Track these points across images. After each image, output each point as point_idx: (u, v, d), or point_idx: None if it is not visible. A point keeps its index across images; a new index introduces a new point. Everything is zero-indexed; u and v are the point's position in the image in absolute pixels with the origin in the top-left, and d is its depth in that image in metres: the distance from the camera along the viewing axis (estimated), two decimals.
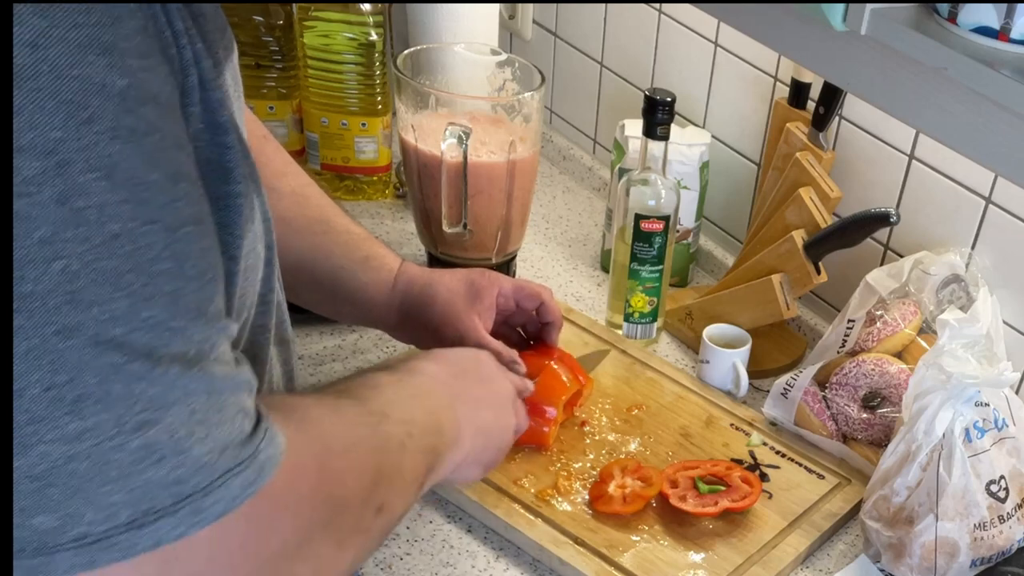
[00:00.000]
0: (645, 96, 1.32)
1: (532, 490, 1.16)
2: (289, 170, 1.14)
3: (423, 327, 1.18)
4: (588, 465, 1.20)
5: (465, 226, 1.38)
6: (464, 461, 0.91)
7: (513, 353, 1.18)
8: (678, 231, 1.46)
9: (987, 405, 1.10)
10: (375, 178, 1.65)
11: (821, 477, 1.22)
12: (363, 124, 1.59)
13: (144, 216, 0.58)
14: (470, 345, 1.19)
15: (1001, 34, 0.79)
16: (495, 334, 1.17)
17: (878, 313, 1.24)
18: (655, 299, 1.40)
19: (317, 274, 1.15)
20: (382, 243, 1.19)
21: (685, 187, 1.47)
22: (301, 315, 1.36)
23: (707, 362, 1.34)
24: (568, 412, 1.24)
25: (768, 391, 1.30)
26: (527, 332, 1.23)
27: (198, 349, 0.61)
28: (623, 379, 1.32)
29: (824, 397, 1.25)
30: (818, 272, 1.32)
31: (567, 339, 1.37)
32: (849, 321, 1.25)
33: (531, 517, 1.12)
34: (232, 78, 0.83)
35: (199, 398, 0.61)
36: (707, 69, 1.53)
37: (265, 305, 0.81)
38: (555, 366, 1.18)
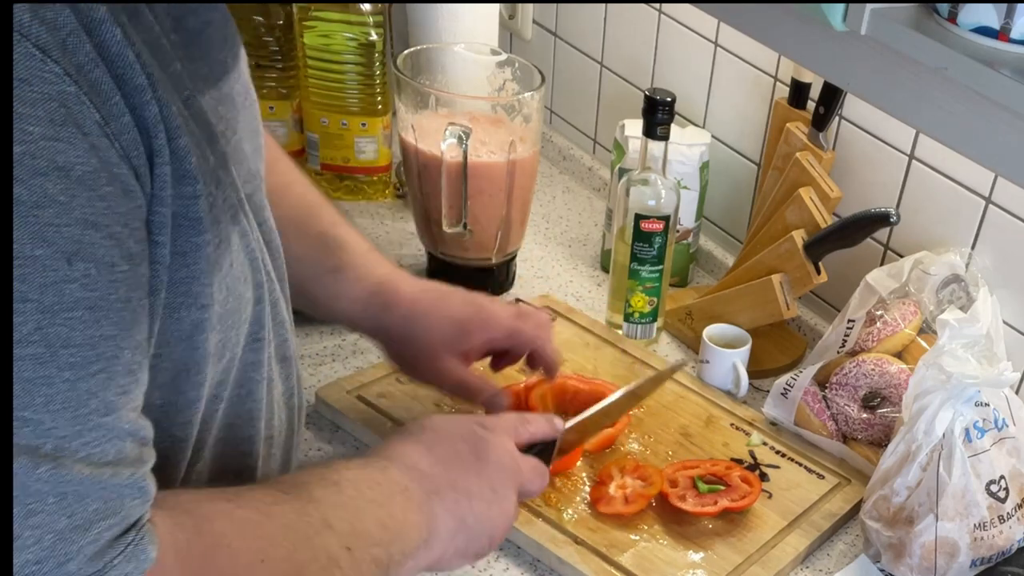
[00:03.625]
0: (645, 96, 1.32)
1: None
2: (273, 168, 1.06)
3: (398, 357, 1.12)
4: (588, 464, 1.20)
5: (465, 226, 1.38)
6: (442, 558, 0.87)
7: (494, 386, 1.13)
8: (678, 231, 1.46)
9: (987, 405, 1.10)
10: (375, 178, 1.65)
11: (821, 477, 1.22)
12: (363, 124, 1.59)
13: (17, 293, 0.55)
14: (446, 385, 1.13)
15: (1001, 34, 0.79)
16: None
17: (878, 313, 1.24)
18: (655, 299, 1.40)
19: (291, 283, 1.09)
20: (367, 249, 1.10)
21: (685, 187, 1.47)
22: (301, 315, 1.37)
23: (707, 362, 1.34)
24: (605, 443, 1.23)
25: (768, 391, 1.30)
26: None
27: (56, 445, 0.57)
28: (623, 379, 1.32)
29: (824, 397, 1.25)
30: (818, 272, 1.32)
31: (568, 339, 1.37)
32: (849, 321, 1.25)
33: (531, 516, 1.12)
34: (241, 84, 0.81)
35: (43, 500, 0.57)
36: (707, 69, 1.53)
37: (257, 343, 0.79)
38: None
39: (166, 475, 0.76)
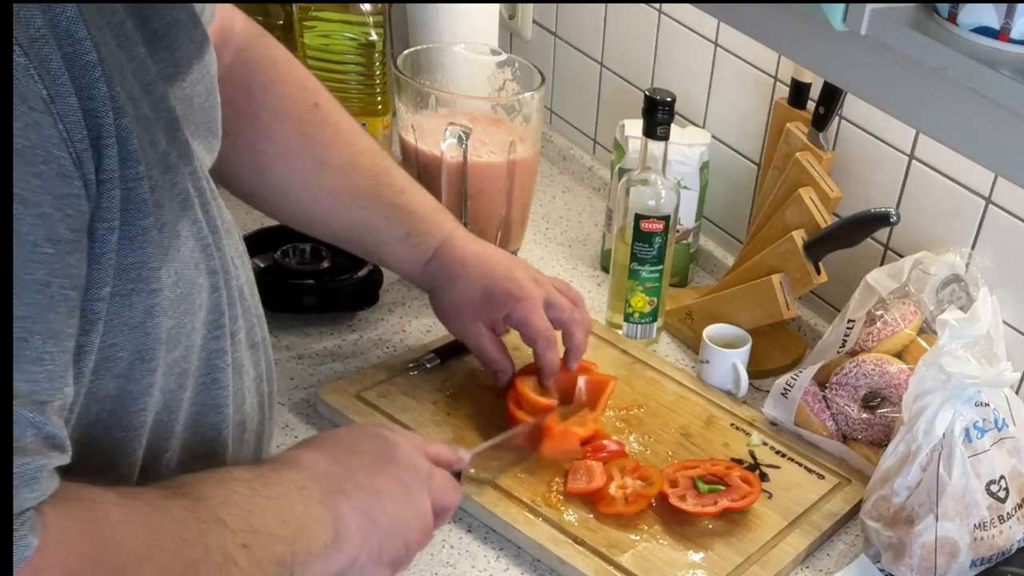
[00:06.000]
0: (645, 96, 1.32)
1: (532, 490, 1.16)
2: (340, 139, 1.13)
3: (437, 309, 1.21)
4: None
5: (465, 226, 1.38)
6: (355, 562, 0.81)
7: (507, 364, 1.20)
8: (678, 231, 1.46)
9: (987, 405, 1.10)
10: None
11: (821, 477, 1.22)
12: (363, 124, 1.59)
13: None
14: (469, 347, 1.22)
15: (1001, 34, 0.79)
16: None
17: (878, 313, 1.24)
18: (655, 299, 1.40)
19: (364, 246, 1.18)
20: (432, 211, 1.18)
21: (685, 187, 1.47)
22: (301, 315, 1.37)
23: (707, 362, 1.34)
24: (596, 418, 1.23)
25: (768, 391, 1.30)
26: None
27: None
28: (623, 379, 1.32)
29: (824, 397, 1.25)
30: (818, 272, 1.32)
31: None
32: (849, 321, 1.25)
33: (531, 517, 1.12)
34: (203, 85, 0.81)
35: None
36: (707, 69, 1.53)
37: (218, 330, 0.79)
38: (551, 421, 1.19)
39: (124, 464, 0.76)
